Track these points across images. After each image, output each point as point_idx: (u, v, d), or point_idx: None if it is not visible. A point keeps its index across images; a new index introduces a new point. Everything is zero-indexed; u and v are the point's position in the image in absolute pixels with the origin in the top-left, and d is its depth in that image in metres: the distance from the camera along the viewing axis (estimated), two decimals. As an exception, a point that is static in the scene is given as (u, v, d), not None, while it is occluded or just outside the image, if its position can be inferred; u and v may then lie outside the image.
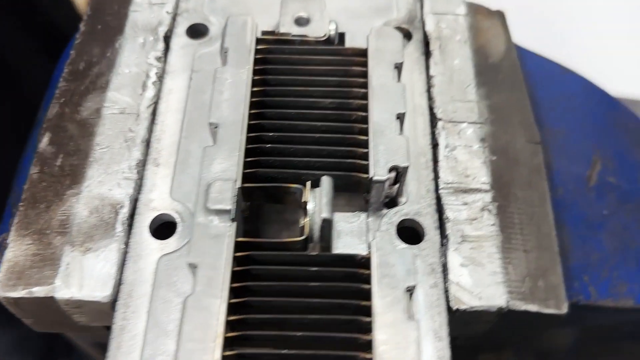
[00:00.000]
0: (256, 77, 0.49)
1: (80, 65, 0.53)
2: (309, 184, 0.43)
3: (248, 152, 0.45)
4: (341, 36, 0.55)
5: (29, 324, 0.46)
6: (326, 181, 0.42)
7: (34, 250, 0.43)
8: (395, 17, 0.56)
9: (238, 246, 0.41)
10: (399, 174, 0.44)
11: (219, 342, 0.37)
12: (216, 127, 0.45)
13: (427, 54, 0.54)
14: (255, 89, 0.48)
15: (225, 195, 0.41)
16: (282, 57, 0.50)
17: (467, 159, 0.48)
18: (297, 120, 0.47)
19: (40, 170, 0.47)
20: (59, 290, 0.41)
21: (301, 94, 0.48)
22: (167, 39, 0.54)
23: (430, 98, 0.52)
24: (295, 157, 0.45)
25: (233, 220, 0.41)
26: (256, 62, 0.49)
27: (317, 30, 0.51)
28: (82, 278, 0.42)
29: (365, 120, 0.46)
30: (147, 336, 0.40)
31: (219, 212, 0.41)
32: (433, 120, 0.51)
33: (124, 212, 0.45)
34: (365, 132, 0.45)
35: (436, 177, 0.48)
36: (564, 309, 0.43)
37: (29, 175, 0.47)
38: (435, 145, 0.49)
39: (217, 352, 0.37)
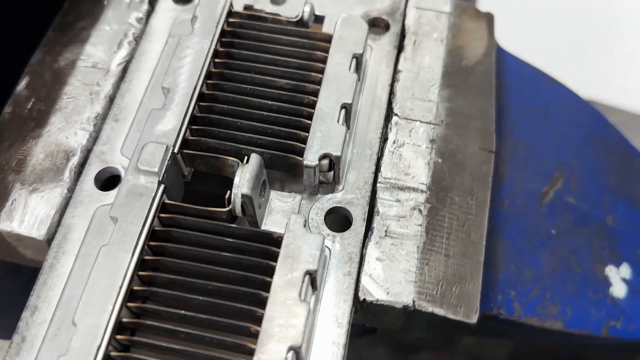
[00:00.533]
0: (221, 49, 0.50)
1: (69, 18, 0.56)
2: (246, 159, 0.45)
3: (196, 120, 0.47)
4: (320, 19, 0.55)
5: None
6: (254, 158, 0.43)
7: (-13, 184, 0.47)
8: (377, 7, 0.56)
9: (164, 208, 0.44)
10: (332, 162, 0.45)
11: (122, 293, 0.39)
12: (167, 92, 0.47)
13: (400, 48, 0.54)
14: (218, 60, 0.50)
15: (155, 158, 0.43)
16: (251, 33, 0.51)
17: (412, 158, 0.49)
18: (250, 96, 0.48)
19: (12, 111, 0.51)
20: (2, 222, 0.45)
21: (261, 71, 0.49)
22: (152, 1, 0.56)
23: (391, 92, 0.52)
24: (240, 132, 0.47)
25: (160, 182, 0.43)
26: (225, 34, 0.51)
27: (290, 10, 0.52)
28: (24, 214, 0.46)
29: (314, 105, 0.47)
30: (71, 277, 0.43)
31: (147, 173, 0.43)
32: (389, 114, 0.51)
33: (75, 160, 0.48)
34: (311, 117, 0.46)
35: (377, 171, 0.48)
36: (473, 318, 0.43)
37: (2, 114, 0.51)
38: (384, 140, 0.50)
39: (118, 302, 0.39)
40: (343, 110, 0.46)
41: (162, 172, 0.43)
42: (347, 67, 0.48)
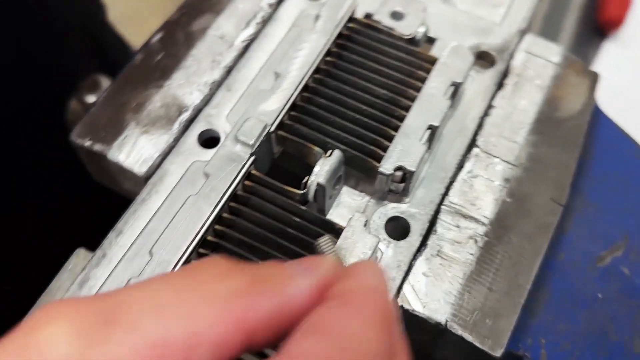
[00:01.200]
0: (334, 49, 0.55)
1: (211, -12, 0.62)
2: (329, 152, 0.49)
3: (296, 107, 0.52)
4: (432, 41, 0.59)
5: (91, 171, 0.58)
6: (336, 154, 0.48)
7: (110, 116, 0.54)
8: (489, 42, 0.59)
9: (250, 177, 0.49)
10: (405, 175, 0.48)
11: (197, 239, 0.45)
12: (278, 77, 0.52)
13: (500, 85, 0.57)
14: (328, 58, 0.54)
15: (253, 132, 0.48)
16: (364, 41, 0.55)
17: (482, 190, 0.51)
18: (348, 97, 0.52)
19: (142, 59, 0.58)
20: (111, 152, 0.52)
21: (364, 76, 0.54)
22: (286, -10, 0.61)
23: (480, 125, 0.55)
24: (331, 127, 0.51)
25: (252, 154, 0.48)
26: (341, 36, 0.55)
27: (406, 27, 0.56)
28: (131, 150, 0.52)
29: (403, 119, 0.50)
30: (157, 214, 0.49)
31: (243, 143, 0.48)
32: (472, 145, 0.54)
33: (186, 115, 0.54)
34: (397, 129, 0.50)
35: (445, 194, 0.51)
36: (498, 353, 0.46)
37: (134, 59, 0.58)
38: (460, 167, 0.53)
39: (192, 245, 0.45)
40: (428, 131, 0.50)
41: (256, 146, 0.49)
42: (443, 92, 0.51)
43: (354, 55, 0.55)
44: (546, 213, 0.51)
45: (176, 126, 0.54)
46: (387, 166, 0.48)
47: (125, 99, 0.55)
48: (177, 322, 0.26)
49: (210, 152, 0.52)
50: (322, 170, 0.47)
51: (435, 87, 0.51)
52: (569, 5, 1.33)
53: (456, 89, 0.52)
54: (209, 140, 0.54)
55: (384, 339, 0.27)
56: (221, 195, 0.47)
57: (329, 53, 0.55)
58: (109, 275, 0.46)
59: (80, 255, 0.50)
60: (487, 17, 0.61)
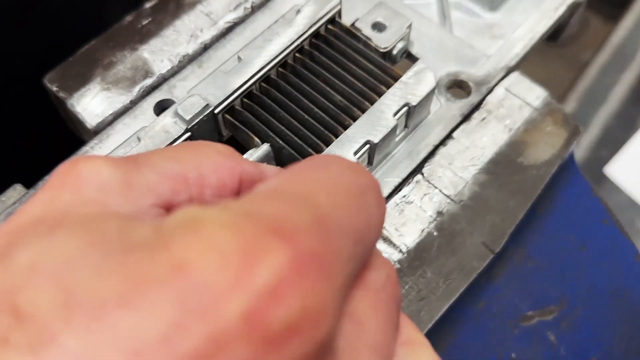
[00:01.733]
0: (307, 48, 0.55)
1: (217, -33, 0.63)
2: (265, 145, 0.49)
3: (251, 96, 0.52)
4: (414, 59, 0.57)
5: (62, 117, 0.61)
6: (263, 148, 0.48)
7: (81, 68, 0.56)
8: (471, 72, 0.57)
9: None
10: (329, 184, 0.47)
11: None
12: (240, 61, 0.52)
13: (466, 117, 0.55)
14: (298, 55, 0.54)
15: (192, 109, 0.49)
16: (339, 45, 0.55)
17: (411, 218, 0.50)
18: (305, 97, 0.52)
19: (130, 21, 0.60)
20: (70, 101, 0.54)
21: (327, 81, 0.53)
22: (284, -18, 0.61)
23: (431, 153, 0.53)
24: (279, 123, 0.51)
25: (187, 130, 0.49)
26: (318, 37, 0.55)
27: (384, 40, 0.54)
28: (89, 103, 0.54)
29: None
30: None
31: (180, 118, 0.49)
32: (416, 170, 0.52)
33: (149, 81, 0.56)
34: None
35: (373, 213, 0.50)
36: None
37: (123, 20, 0.60)
38: (397, 190, 0.51)
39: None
40: (366, 146, 0.49)
41: (193, 123, 0.49)
42: (393, 112, 0.50)
43: (324, 58, 0.54)
44: (473, 256, 0.49)
45: (137, 89, 0.55)
46: (310, 171, 0.47)
47: (100, 55, 0.57)
48: (189, 165, 0.30)
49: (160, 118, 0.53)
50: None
51: (387, 104, 0.50)
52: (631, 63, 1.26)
53: (409, 111, 0.51)
54: (164, 110, 0.55)
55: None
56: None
57: (301, 50, 0.54)
58: (25, 214, 0.48)
59: (16, 190, 0.52)
60: (480, 47, 0.59)
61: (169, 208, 0.29)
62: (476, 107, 0.55)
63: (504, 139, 0.54)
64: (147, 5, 0.61)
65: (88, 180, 0.28)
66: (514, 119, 0.55)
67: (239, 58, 0.53)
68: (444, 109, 0.55)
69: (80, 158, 0.29)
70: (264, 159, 0.48)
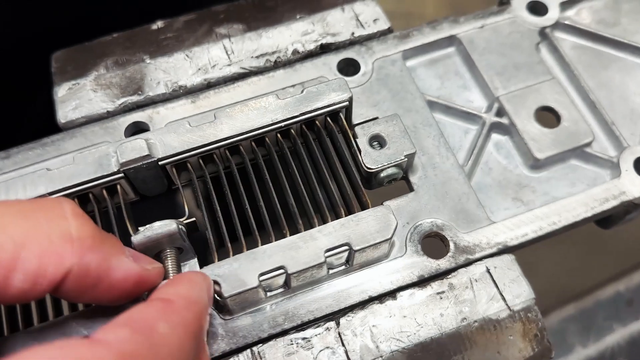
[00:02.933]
0: (292, 132, 0.49)
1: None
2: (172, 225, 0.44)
3: (211, 160, 0.48)
4: (408, 185, 0.50)
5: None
6: (168, 226, 0.43)
7: (88, 58, 0.55)
8: (460, 232, 0.48)
9: (110, 189, 0.47)
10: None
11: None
12: (214, 119, 0.48)
13: (424, 281, 0.46)
14: (279, 136, 0.49)
15: (129, 154, 0.45)
16: (326, 145, 0.49)
17: (297, 366, 0.43)
18: (260, 186, 0.47)
19: (158, 29, 0.57)
20: (56, 87, 0.53)
21: (293, 178, 0.47)
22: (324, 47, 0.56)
23: (362, 303, 0.46)
24: (218, 201, 0.46)
25: (118, 172, 0.46)
26: (311, 125, 0.49)
27: (372, 159, 0.47)
28: (71, 96, 0.53)
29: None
30: (38, 159, 0.50)
31: (122, 156, 0.46)
32: (333, 315, 0.45)
33: (135, 99, 0.53)
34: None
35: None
36: None
37: (153, 24, 0.57)
38: (299, 327, 0.45)
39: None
40: (279, 271, 0.43)
41: (128, 167, 0.45)
42: (326, 246, 0.43)
43: (304, 151, 0.49)
44: None
45: (120, 102, 0.53)
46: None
47: (111, 52, 0.55)
48: (9, 240, 0.29)
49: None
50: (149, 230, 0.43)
51: (327, 234, 0.43)
52: None
53: (350, 252, 0.44)
54: (136, 132, 0.52)
55: (190, 345, 0.31)
56: (64, 186, 0.45)
57: (285, 133, 0.49)
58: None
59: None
60: (491, 205, 0.50)
61: None
62: (441, 274, 0.47)
63: (450, 326, 0.45)
64: (182, 17, 0.58)
65: None
66: (476, 310, 0.45)
67: (215, 116, 0.48)
68: (406, 260, 0.47)
69: None
70: (165, 238, 0.43)
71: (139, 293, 0.37)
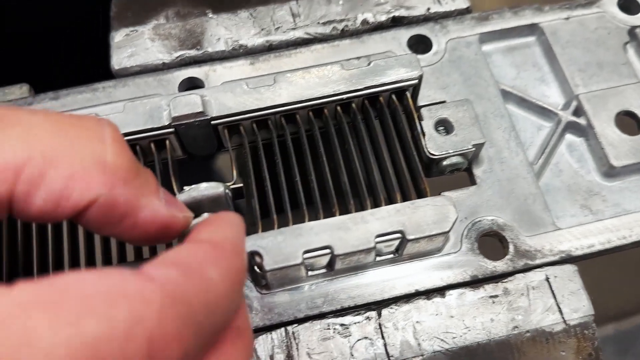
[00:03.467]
0: (353, 106, 0.46)
1: None
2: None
3: (265, 124, 0.45)
4: (471, 178, 0.46)
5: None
6: (216, 189, 0.40)
7: (154, 5, 0.53)
8: (521, 234, 0.45)
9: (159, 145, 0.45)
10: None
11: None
12: (273, 82, 0.45)
13: (477, 281, 0.43)
14: (339, 108, 0.46)
15: (182, 109, 0.43)
16: (388, 123, 0.46)
17: (330, 356, 0.41)
18: (312, 160, 0.44)
19: (226, -17, 0.54)
20: (114, 31, 0.51)
21: (348, 155, 0.45)
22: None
23: (407, 296, 0.43)
24: (268, 170, 0.44)
25: (169, 125, 0.44)
26: (374, 101, 0.46)
27: (437, 145, 0.44)
28: (128, 43, 0.51)
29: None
30: (87, 104, 0.48)
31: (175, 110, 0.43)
32: (375, 305, 0.43)
33: (193, 53, 0.51)
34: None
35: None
36: None
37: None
38: (338, 313, 0.42)
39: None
40: (326, 250, 0.40)
41: (179, 123, 0.43)
42: (378, 231, 0.40)
43: (363, 127, 0.45)
44: None
45: (177, 55, 0.51)
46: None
47: (173, 3, 0.53)
48: (41, 155, 0.27)
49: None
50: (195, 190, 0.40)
51: (379, 218, 0.40)
52: None
53: (402, 240, 0.41)
54: (190, 88, 0.50)
55: (236, 296, 0.29)
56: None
57: (346, 106, 0.46)
58: None
59: (21, 89, 0.51)
60: (558, 211, 0.46)
61: None
62: (496, 277, 0.44)
63: (500, 333, 0.42)
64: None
65: None
66: (529, 319, 0.42)
67: (274, 79, 0.46)
68: (460, 258, 0.44)
69: None
70: (209, 201, 0.41)
71: (164, 239, 0.34)
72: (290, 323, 0.42)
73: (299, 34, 0.52)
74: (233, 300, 0.28)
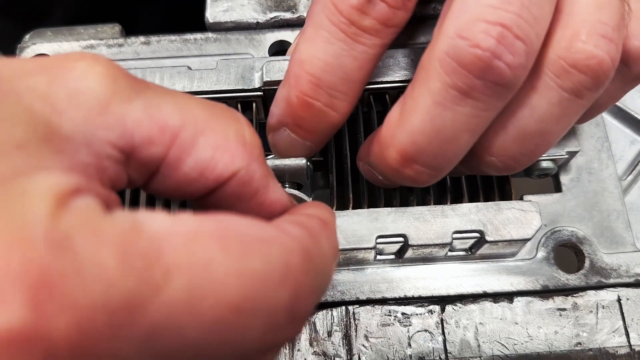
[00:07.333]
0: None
1: None
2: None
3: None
4: (557, 186, 0.45)
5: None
6: (297, 162, 0.40)
7: (246, -39, 0.52)
8: (600, 249, 0.43)
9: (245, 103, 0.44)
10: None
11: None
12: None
13: (546, 292, 0.42)
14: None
15: (275, 74, 0.42)
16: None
17: (387, 341, 0.41)
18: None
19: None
20: (209, -15, 0.51)
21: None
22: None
23: (474, 296, 0.42)
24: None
25: (259, 89, 0.43)
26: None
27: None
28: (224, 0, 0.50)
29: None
30: (177, 55, 0.48)
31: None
32: (440, 300, 0.42)
33: (287, 16, 0.50)
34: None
35: (361, 302, 0.42)
36: None
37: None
38: (399, 301, 0.42)
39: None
40: (399, 238, 0.39)
41: (270, 87, 0.43)
42: (455, 228, 0.39)
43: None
44: None
45: (271, 16, 0.50)
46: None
47: None
48: (192, 125, 0.27)
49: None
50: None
51: (459, 215, 0.40)
52: None
53: (478, 240, 0.40)
54: (279, 51, 0.49)
55: (332, 272, 0.29)
56: (203, 89, 0.43)
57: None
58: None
59: (114, 29, 0.51)
60: (640, 231, 0.44)
61: (128, 151, 0.25)
62: (567, 290, 0.42)
63: (562, 347, 0.41)
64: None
65: (71, 79, 0.24)
66: (594, 338, 0.41)
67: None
68: (533, 265, 0.43)
69: (91, 55, 0.25)
70: (290, 171, 0.41)
71: None
72: (352, 303, 0.42)
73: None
74: (331, 274, 0.29)
